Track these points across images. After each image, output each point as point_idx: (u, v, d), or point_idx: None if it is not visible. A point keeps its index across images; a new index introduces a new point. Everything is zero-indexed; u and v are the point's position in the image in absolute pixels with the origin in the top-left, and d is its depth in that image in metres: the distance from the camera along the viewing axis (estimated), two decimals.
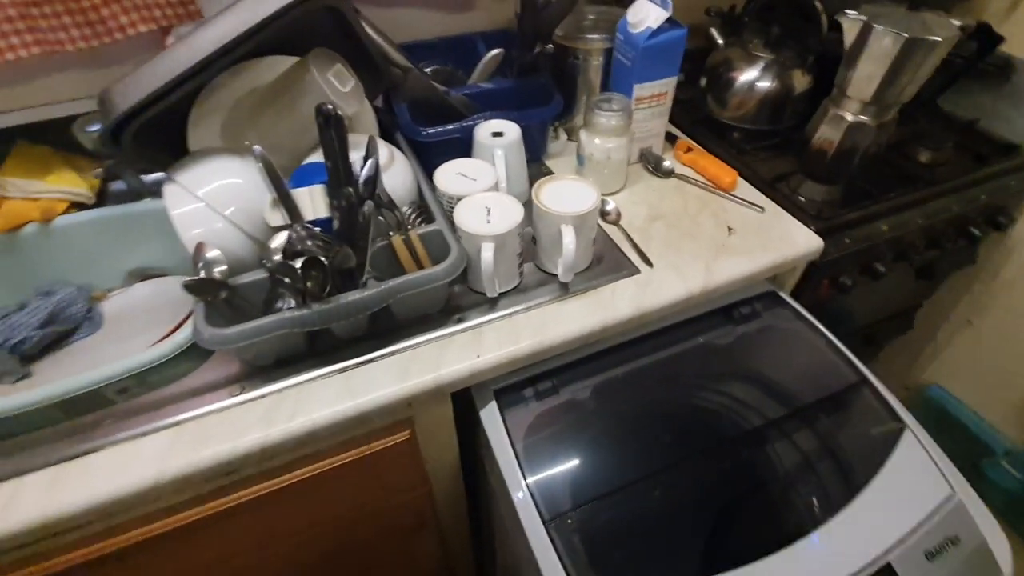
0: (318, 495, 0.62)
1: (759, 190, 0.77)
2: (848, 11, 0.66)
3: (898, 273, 0.88)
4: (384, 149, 0.62)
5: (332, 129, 0.47)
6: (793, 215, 0.73)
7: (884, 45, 0.63)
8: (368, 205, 0.49)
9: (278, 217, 0.55)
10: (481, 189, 0.62)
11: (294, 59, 0.57)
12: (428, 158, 0.69)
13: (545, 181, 0.63)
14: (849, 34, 0.66)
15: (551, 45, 0.77)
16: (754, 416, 0.63)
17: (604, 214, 0.73)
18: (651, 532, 0.55)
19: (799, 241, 0.69)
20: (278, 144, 0.58)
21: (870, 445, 0.61)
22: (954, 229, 0.82)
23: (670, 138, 0.86)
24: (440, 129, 0.72)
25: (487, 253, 0.56)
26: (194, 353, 0.57)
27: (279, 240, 0.54)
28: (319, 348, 0.57)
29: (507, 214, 0.58)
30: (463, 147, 0.71)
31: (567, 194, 0.61)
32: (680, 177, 0.79)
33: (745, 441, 0.61)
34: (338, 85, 0.56)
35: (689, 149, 0.82)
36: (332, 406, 0.52)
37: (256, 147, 0.50)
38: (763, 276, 0.67)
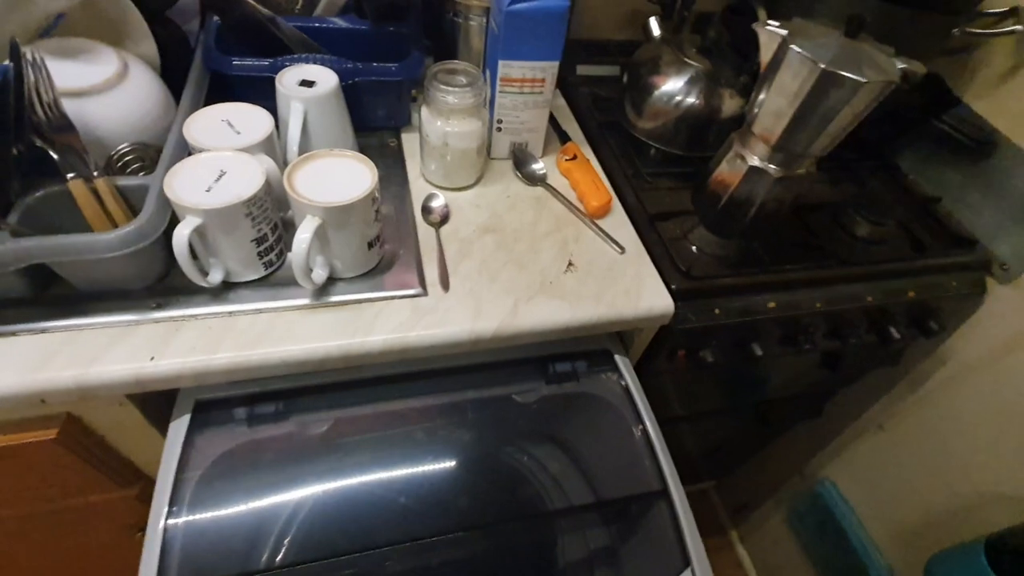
0: None
1: (634, 225, 0.62)
2: (770, 21, 0.50)
3: (797, 358, 0.75)
4: (114, 61, 0.48)
5: None
6: (657, 266, 0.58)
7: (797, 72, 0.47)
8: None
9: None
10: (241, 146, 0.48)
11: None
12: (235, 99, 0.55)
13: (317, 155, 0.49)
14: (766, 52, 0.51)
15: None
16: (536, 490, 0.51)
17: (427, 211, 0.59)
18: None
19: (644, 299, 0.55)
20: None
21: (650, 570, 0.49)
22: (868, 323, 0.68)
23: (564, 137, 0.71)
24: (248, 63, 0.57)
25: (183, 229, 0.42)
26: None
27: None
28: None
29: (241, 185, 0.45)
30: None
31: (340, 176, 0.47)
32: (549, 187, 0.65)
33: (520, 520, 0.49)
34: None
35: (574, 156, 0.67)
36: None
37: None
38: (584, 331, 0.54)
